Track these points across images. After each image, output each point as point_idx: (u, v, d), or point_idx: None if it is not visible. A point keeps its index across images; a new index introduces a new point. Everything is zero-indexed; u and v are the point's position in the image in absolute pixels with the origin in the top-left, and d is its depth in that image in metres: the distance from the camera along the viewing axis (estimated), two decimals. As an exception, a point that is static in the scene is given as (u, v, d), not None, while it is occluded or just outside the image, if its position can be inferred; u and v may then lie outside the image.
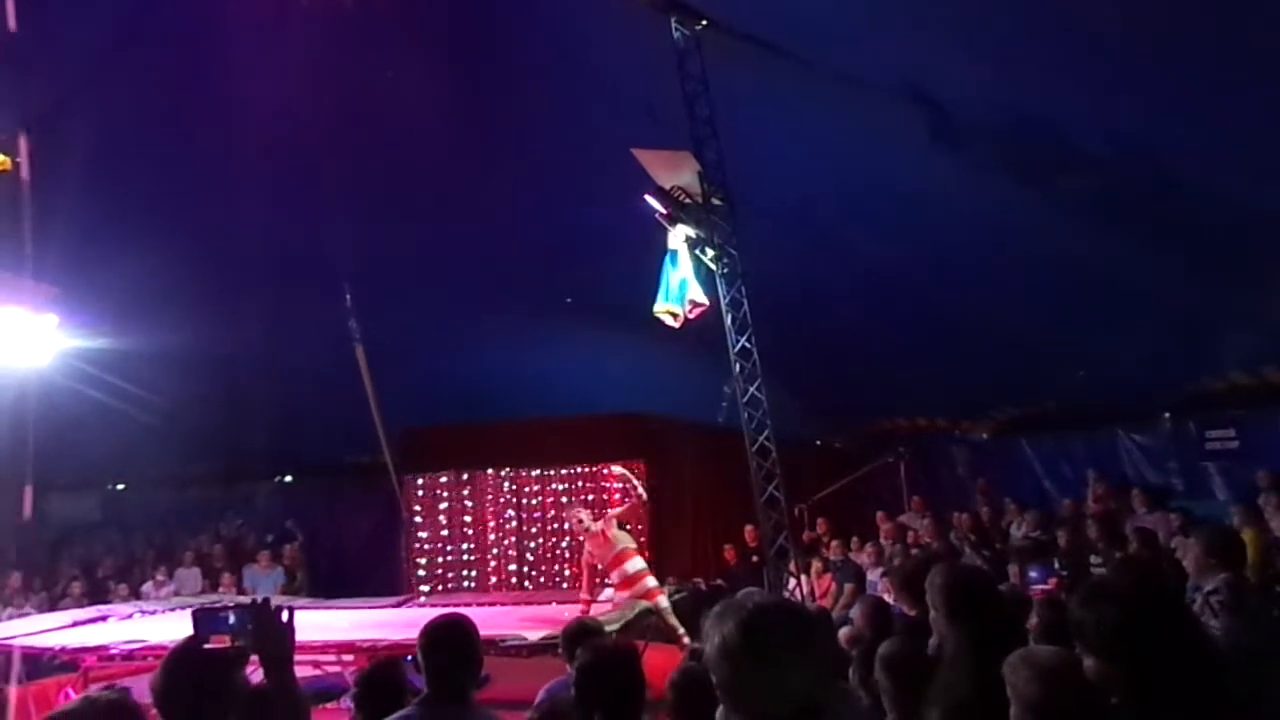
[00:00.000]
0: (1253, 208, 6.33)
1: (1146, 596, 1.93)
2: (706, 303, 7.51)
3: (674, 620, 7.40)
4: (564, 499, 11.68)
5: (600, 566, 7.73)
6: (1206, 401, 8.79)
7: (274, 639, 2.10)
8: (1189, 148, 6.15)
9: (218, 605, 2.16)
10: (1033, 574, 7.71)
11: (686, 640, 7.03)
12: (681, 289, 7.49)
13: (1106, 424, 9.60)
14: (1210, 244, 6.79)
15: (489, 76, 8.20)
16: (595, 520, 7.78)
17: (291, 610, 2.16)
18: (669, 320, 7.59)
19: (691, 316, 7.55)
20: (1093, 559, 7.53)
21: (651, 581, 7.51)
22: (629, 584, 7.46)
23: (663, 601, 7.49)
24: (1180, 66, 5.58)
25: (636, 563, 7.53)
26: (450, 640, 2.91)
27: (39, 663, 7.16)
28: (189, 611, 2.14)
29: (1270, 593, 5.82)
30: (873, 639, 3.54)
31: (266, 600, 2.16)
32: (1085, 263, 7.47)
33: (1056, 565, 7.65)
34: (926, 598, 2.81)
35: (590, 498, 11.53)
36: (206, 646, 2.05)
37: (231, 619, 2.07)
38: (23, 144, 6.52)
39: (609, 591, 8.05)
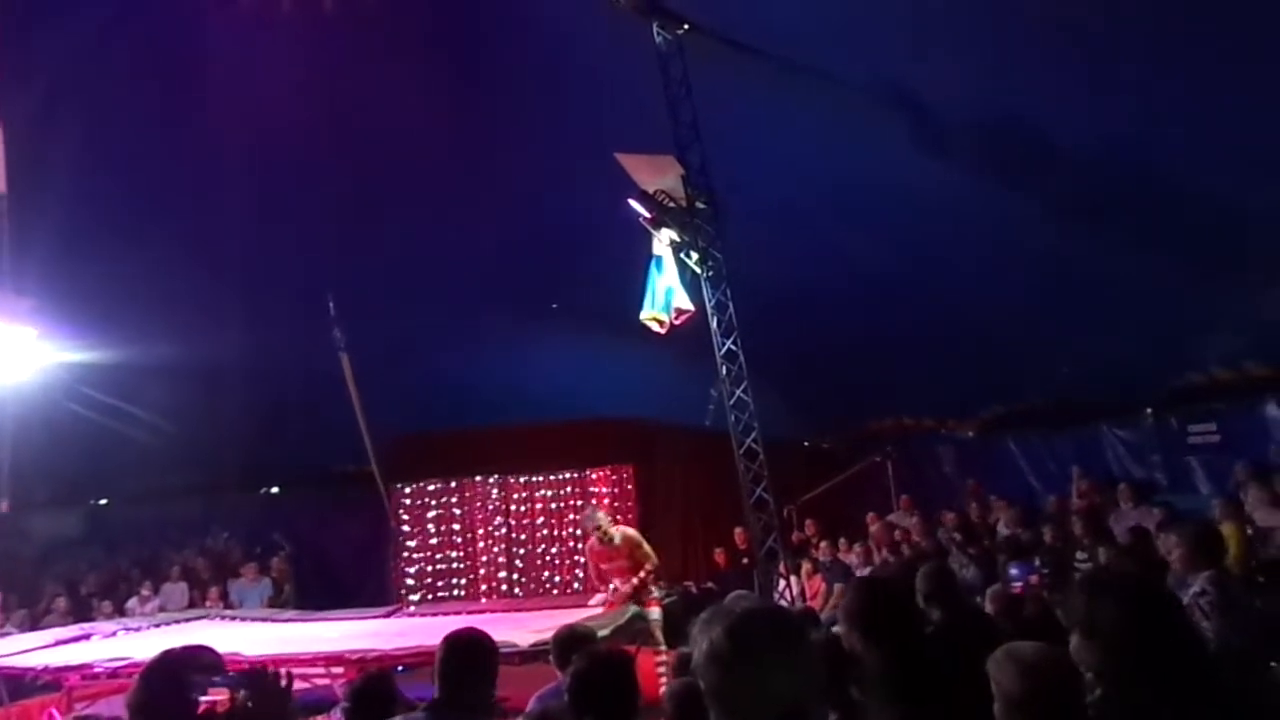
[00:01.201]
0: (1235, 205, 6.40)
1: (1146, 590, 1.93)
2: (692, 309, 7.53)
3: (659, 634, 7.41)
4: (553, 505, 11.67)
5: (605, 568, 7.74)
6: (1188, 396, 8.88)
7: (271, 706, 2.02)
8: (1172, 146, 6.22)
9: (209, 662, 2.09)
10: (1013, 571, 7.76)
11: (663, 656, 7.07)
12: (668, 296, 7.51)
13: (1091, 420, 9.68)
14: (1192, 240, 6.87)
15: (472, 80, 8.19)
16: (615, 526, 7.82)
17: (291, 675, 2.09)
18: (655, 327, 7.61)
19: (678, 323, 7.57)
20: (1078, 555, 7.59)
21: (637, 603, 7.50)
22: (622, 600, 7.51)
23: (654, 613, 7.49)
24: (1164, 65, 5.64)
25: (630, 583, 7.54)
26: (462, 652, 2.95)
27: (21, 683, 7.06)
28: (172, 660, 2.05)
29: (1253, 585, 5.88)
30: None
31: (264, 665, 2.09)
32: (1069, 260, 7.54)
33: (1037, 563, 7.71)
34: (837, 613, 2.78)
35: (579, 503, 11.53)
36: (203, 699, 1.99)
37: (228, 675, 2.02)
38: (0, 158, 6.43)
39: (599, 596, 8.04)
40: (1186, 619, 1.85)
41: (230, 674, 2.01)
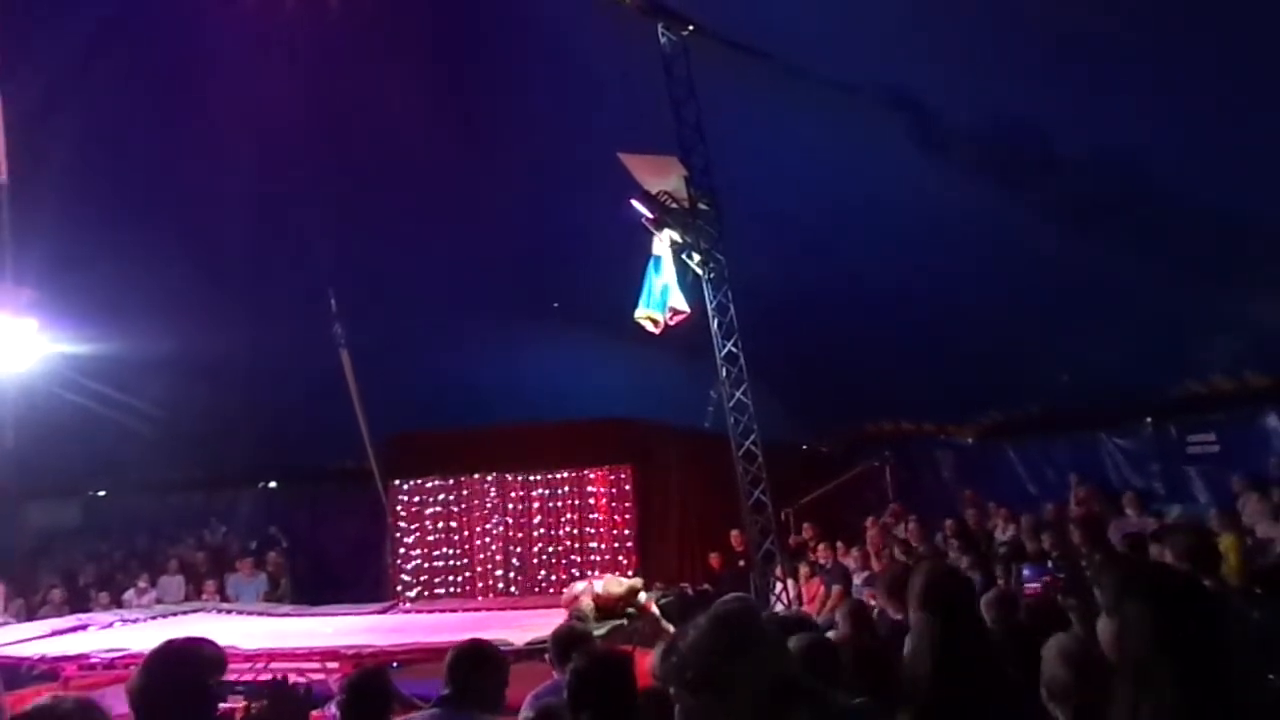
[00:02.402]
0: (1235, 212, 6.41)
1: (1179, 588, 1.91)
2: (688, 310, 7.52)
3: (666, 624, 7.40)
4: (550, 504, 11.67)
5: None
6: (1188, 405, 8.87)
7: (289, 711, 2.04)
8: (1173, 153, 6.22)
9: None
10: (1026, 573, 7.70)
11: None
12: (663, 295, 7.49)
13: (1089, 428, 9.68)
14: (1192, 248, 6.87)
15: (474, 80, 8.19)
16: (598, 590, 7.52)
17: (309, 688, 2.12)
18: (649, 326, 7.59)
19: (672, 323, 7.55)
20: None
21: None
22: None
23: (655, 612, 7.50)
24: (1165, 72, 5.65)
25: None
26: (469, 655, 3.13)
27: (17, 673, 7.06)
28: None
29: (1251, 596, 5.86)
30: (856, 639, 3.64)
31: (285, 678, 2.11)
32: (1069, 267, 7.54)
33: (1050, 564, 7.66)
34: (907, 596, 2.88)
35: (577, 502, 11.54)
36: (223, 706, 2.01)
37: (248, 685, 2.03)
38: (1, 146, 6.44)
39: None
40: (1217, 624, 1.83)
41: (250, 683, 2.02)
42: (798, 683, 1.61)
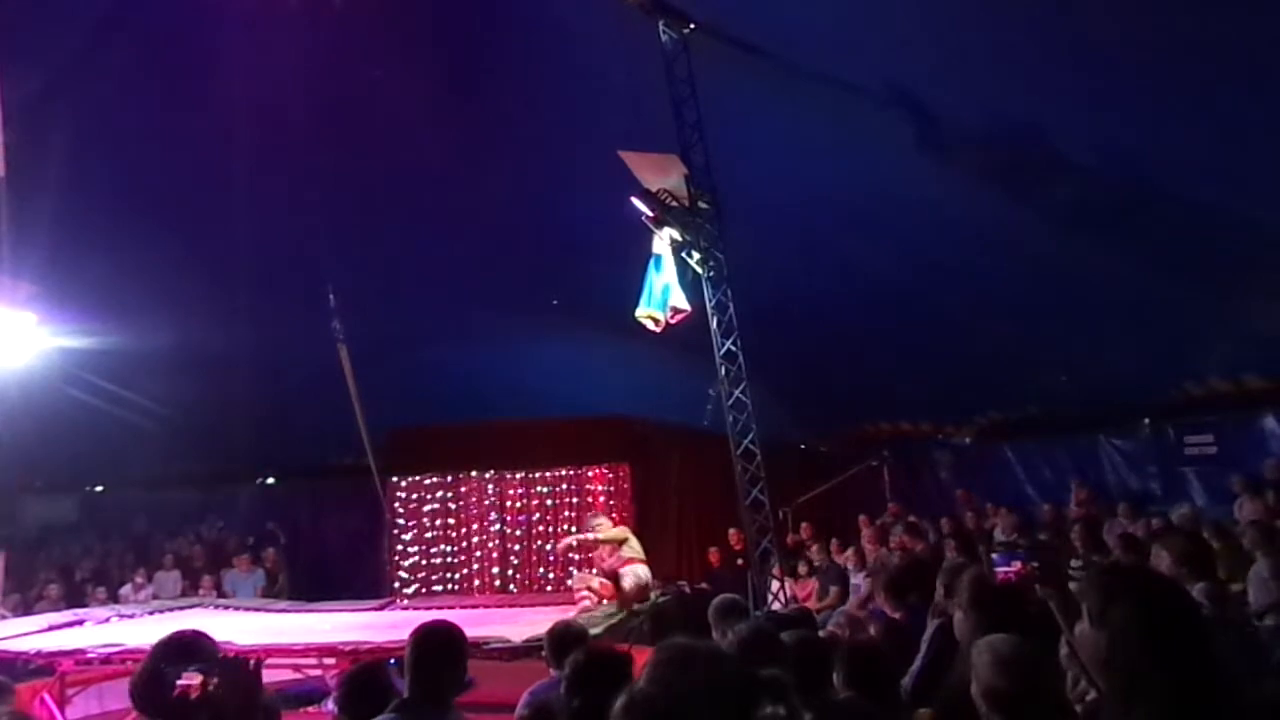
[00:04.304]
0: (1233, 215, 6.42)
1: (1166, 592, 1.91)
2: (689, 308, 7.52)
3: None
4: (549, 501, 11.68)
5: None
6: (1186, 407, 8.89)
7: (241, 691, 2.03)
8: (1174, 157, 6.23)
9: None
10: (995, 558, 7.70)
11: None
12: (664, 294, 7.49)
13: (1088, 429, 9.69)
14: (1191, 250, 6.88)
15: (475, 77, 8.19)
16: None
17: (259, 661, 2.11)
18: (650, 325, 7.60)
19: (673, 321, 7.56)
20: (1073, 563, 7.56)
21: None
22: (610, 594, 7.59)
23: (639, 569, 7.59)
24: (1168, 77, 5.65)
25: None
26: (437, 645, 2.97)
27: (14, 667, 7.05)
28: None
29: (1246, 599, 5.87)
30: (851, 637, 3.72)
31: (235, 656, 2.11)
32: (1068, 269, 7.55)
33: (1020, 551, 7.66)
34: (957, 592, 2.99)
35: (575, 500, 11.53)
36: (179, 682, 2.00)
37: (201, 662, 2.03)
38: (-1, 139, 6.43)
39: (585, 602, 8.06)
40: (1204, 630, 1.83)
41: (202, 661, 2.02)
42: (756, 681, 1.63)
